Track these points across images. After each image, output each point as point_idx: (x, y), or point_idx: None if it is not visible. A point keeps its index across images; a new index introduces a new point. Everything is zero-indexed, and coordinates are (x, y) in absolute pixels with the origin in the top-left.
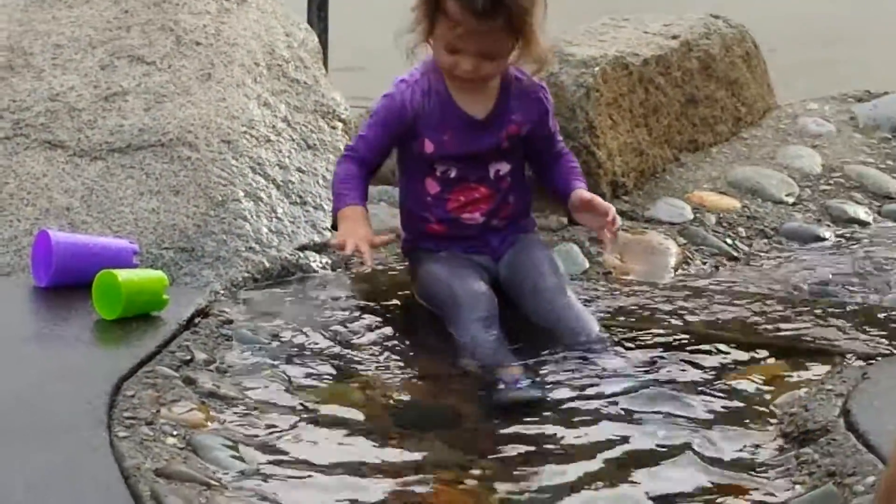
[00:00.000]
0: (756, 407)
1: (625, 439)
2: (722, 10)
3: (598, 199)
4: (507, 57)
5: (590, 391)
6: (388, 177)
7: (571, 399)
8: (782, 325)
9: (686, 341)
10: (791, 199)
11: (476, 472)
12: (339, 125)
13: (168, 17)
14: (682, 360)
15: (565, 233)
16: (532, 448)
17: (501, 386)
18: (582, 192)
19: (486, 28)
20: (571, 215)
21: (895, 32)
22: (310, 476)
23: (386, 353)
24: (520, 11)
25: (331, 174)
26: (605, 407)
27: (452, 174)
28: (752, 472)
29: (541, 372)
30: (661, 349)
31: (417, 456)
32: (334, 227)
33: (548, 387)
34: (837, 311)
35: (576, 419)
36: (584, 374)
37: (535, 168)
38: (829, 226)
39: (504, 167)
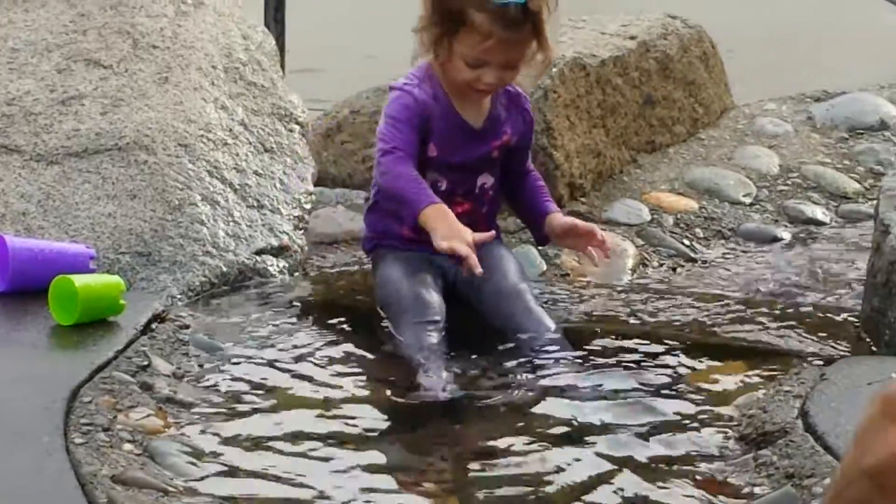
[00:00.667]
0: (714, 408)
1: (581, 441)
2: (679, 11)
3: (580, 223)
4: (525, 64)
5: (546, 394)
6: (345, 179)
7: (527, 402)
8: (740, 327)
9: (644, 343)
10: (748, 200)
11: (435, 475)
12: (297, 128)
13: (125, 21)
14: (639, 362)
15: (522, 234)
16: (491, 451)
17: (423, 391)
18: (559, 217)
19: (515, 37)
20: (546, 237)
21: (851, 33)
22: (268, 482)
23: (343, 357)
24: (541, 16)
25: (288, 177)
26: (562, 410)
27: (442, 187)
28: (710, 475)
29: (497, 374)
30: (619, 351)
31: (376, 460)
32: (414, 226)
33: (507, 390)
34: (795, 312)
35: (532, 422)
36: (540, 376)
37: (506, 183)
38: (786, 226)
39: (489, 180)
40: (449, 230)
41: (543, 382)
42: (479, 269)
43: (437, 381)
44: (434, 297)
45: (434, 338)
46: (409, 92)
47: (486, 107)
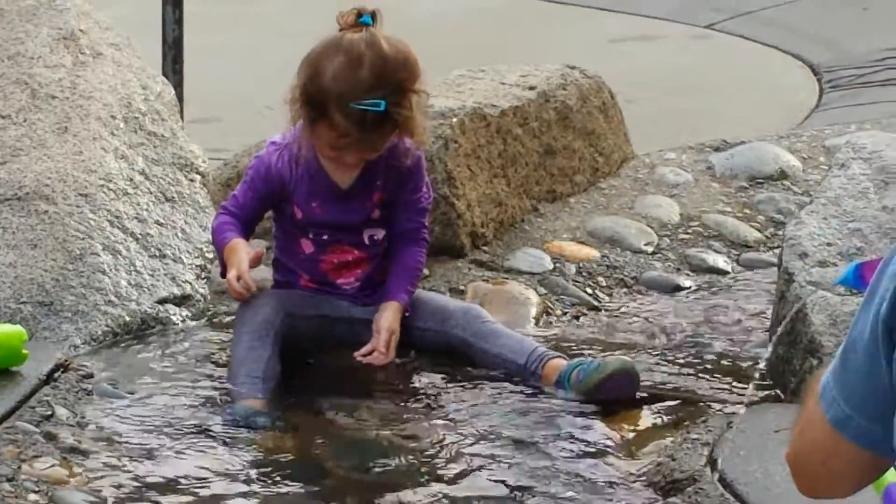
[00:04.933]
0: (622, 456)
1: (487, 486)
2: (577, 61)
3: (382, 332)
4: (387, 146)
5: (449, 441)
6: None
7: (433, 447)
8: (646, 375)
9: (550, 391)
10: (650, 249)
11: None
12: (198, 177)
13: (22, 71)
14: (547, 411)
15: (425, 283)
16: (396, 498)
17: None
18: (387, 312)
19: (374, 136)
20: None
21: (748, 82)
22: None
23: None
24: (405, 116)
25: (189, 227)
26: (468, 457)
27: (325, 237)
28: None
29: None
30: (528, 399)
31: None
32: (223, 275)
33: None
34: (700, 360)
35: (439, 468)
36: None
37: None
38: (688, 275)
39: (379, 233)
40: (228, 260)
41: (449, 430)
42: (250, 286)
43: (250, 408)
44: (267, 354)
45: (266, 356)
46: (268, 155)
47: (359, 168)
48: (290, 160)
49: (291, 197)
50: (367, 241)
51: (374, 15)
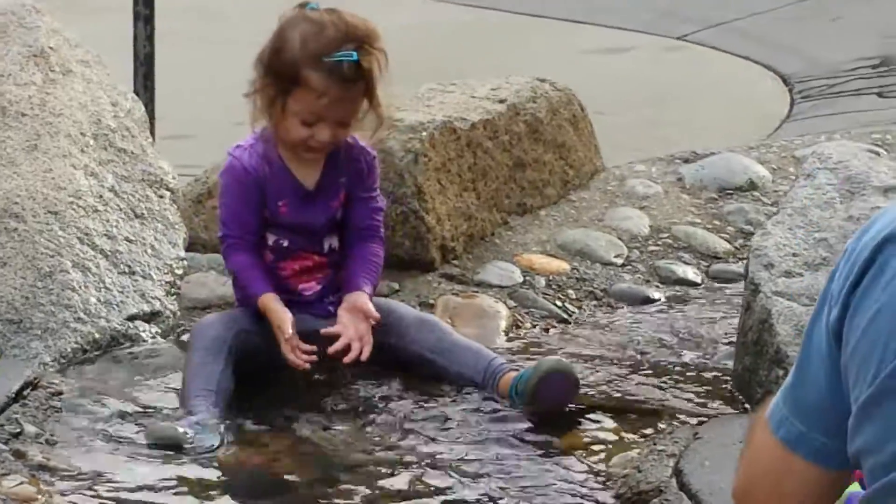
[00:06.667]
0: (588, 468)
1: (453, 501)
2: (547, 74)
3: (367, 311)
4: (357, 121)
5: (419, 448)
6: (217, 244)
7: (395, 459)
8: (613, 387)
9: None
10: (620, 261)
11: None
12: (167, 194)
13: None
14: (510, 425)
15: (394, 297)
16: None
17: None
18: (360, 297)
19: (350, 94)
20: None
21: (720, 93)
22: None
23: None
24: (374, 75)
25: (159, 243)
26: (434, 465)
27: (285, 244)
28: None
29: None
30: (494, 412)
31: None
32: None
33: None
34: (668, 371)
35: (402, 480)
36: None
37: (343, 237)
38: (658, 286)
39: (336, 242)
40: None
41: (419, 437)
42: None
43: (192, 420)
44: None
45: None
46: (237, 158)
47: (320, 166)
48: (260, 158)
49: (263, 195)
50: (326, 249)
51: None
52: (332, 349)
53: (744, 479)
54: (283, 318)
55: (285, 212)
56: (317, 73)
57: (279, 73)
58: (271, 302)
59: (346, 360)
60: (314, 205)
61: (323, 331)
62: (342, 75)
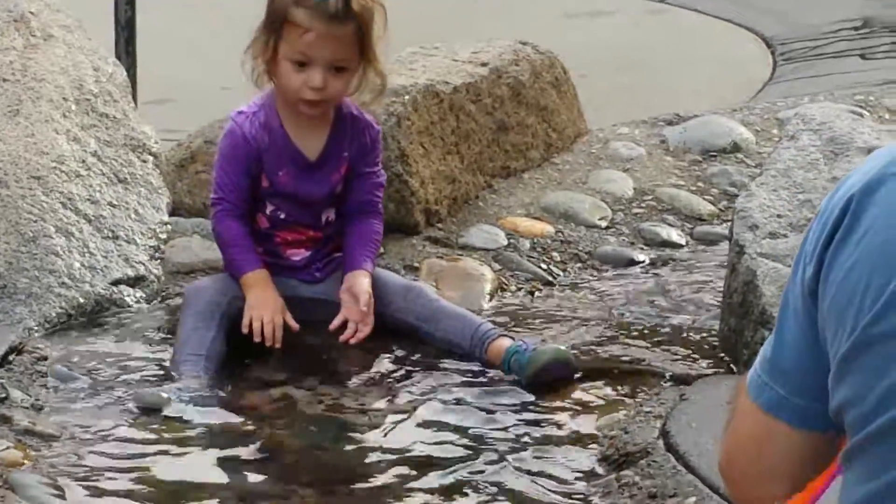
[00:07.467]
0: (575, 430)
1: (440, 463)
2: (529, 36)
3: (362, 295)
4: (353, 73)
5: (406, 412)
6: (201, 209)
7: (388, 424)
8: (599, 349)
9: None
10: (604, 223)
11: (297, 501)
12: (150, 158)
13: None
14: (500, 384)
15: (380, 261)
16: (354, 476)
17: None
18: (360, 278)
19: (337, 32)
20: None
21: (702, 56)
22: None
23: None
24: (367, 21)
25: (142, 208)
26: (423, 430)
27: (282, 216)
28: (573, 497)
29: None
30: (479, 375)
31: (239, 487)
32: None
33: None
34: (653, 333)
35: (394, 444)
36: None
37: (343, 211)
38: (642, 249)
39: (333, 214)
40: (257, 300)
41: (406, 405)
42: (273, 344)
43: (183, 387)
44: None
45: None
46: (239, 126)
47: (324, 138)
48: (261, 126)
49: (260, 167)
50: (322, 223)
51: None
52: (331, 326)
53: (728, 448)
54: (276, 308)
55: (285, 181)
56: (302, 9)
57: (270, 16)
58: (259, 282)
59: (342, 339)
60: (315, 176)
61: (332, 326)
62: (326, 11)
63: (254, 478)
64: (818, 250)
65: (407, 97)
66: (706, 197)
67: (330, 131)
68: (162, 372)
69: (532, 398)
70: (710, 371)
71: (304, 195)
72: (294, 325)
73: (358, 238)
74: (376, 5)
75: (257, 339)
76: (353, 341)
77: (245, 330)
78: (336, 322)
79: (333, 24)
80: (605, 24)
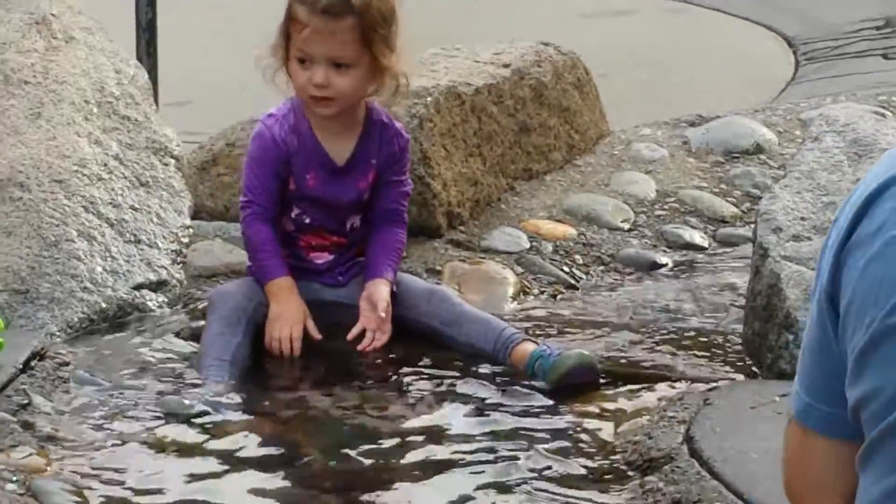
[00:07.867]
0: (599, 436)
1: (463, 469)
2: (551, 36)
3: (382, 306)
4: (359, 70)
5: (430, 417)
6: (222, 212)
7: (410, 430)
8: (622, 353)
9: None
10: (627, 226)
11: None
12: (172, 161)
13: None
14: (524, 389)
15: (403, 264)
16: (375, 482)
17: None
18: (380, 286)
19: (333, 27)
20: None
21: (724, 56)
22: None
23: (226, 390)
24: (370, 16)
25: (164, 211)
26: (447, 434)
27: (307, 220)
28: (597, 502)
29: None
30: (502, 376)
31: (261, 492)
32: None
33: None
34: (676, 337)
35: (415, 449)
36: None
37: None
38: (665, 251)
39: (358, 220)
40: (280, 311)
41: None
42: (291, 353)
43: (203, 393)
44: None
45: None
46: (268, 128)
47: (354, 142)
48: (291, 129)
49: (289, 167)
50: (348, 228)
51: None
52: (349, 335)
53: (783, 468)
54: (297, 319)
55: (313, 185)
56: (301, 5)
57: (285, 15)
58: (284, 290)
59: (360, 347)
60: (342, 181)
61: (350, 336)
62: (323, 6)
63: (276, 483)
64: (835, 252)
65: (429, 99)
66: (729, 199)
67: (359, 137)
68: (185, 377)
69: (556, 403)
70: (734, 375)
71: (331, 199)
72: (316, 334)
73: (381, 246)
74: (383, 1)
75: (275, 355)
76: (370, 349)
77: (267, 347)
78: (354, 331)
79: (328, 18)
80: (626, 24)
